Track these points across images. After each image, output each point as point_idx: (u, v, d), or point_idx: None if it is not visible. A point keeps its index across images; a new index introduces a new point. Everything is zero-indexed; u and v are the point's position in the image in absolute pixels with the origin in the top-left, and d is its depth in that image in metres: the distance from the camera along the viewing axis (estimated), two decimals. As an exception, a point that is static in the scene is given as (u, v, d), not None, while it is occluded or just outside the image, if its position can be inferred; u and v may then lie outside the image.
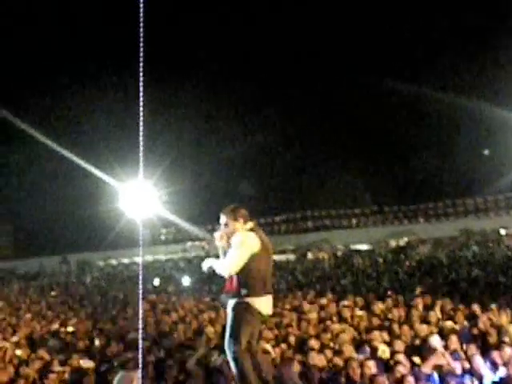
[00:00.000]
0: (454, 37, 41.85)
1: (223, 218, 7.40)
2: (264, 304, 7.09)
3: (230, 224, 7.33)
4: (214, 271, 7.17)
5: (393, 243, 37.60)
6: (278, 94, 45.01)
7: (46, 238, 47.47)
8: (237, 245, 6.96)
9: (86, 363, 10.92)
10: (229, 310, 7.09)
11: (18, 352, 12.56)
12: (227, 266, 6.94)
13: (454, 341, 9.93)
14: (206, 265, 7.27)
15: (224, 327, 7.78)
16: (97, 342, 13.04)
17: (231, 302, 7.05)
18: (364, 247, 37.41)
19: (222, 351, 8.53)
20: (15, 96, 42.88)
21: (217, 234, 7.47)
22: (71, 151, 38.49)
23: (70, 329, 15.50)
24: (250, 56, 44.64)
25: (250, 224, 7.24)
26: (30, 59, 43.43)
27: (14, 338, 14.56)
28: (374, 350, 10.05)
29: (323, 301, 15.72)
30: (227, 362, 8.17)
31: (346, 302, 14.82)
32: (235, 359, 6.94)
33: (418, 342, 10.31)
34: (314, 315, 13.44)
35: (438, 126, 42.32)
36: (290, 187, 44.26)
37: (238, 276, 6.94)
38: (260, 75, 44.51)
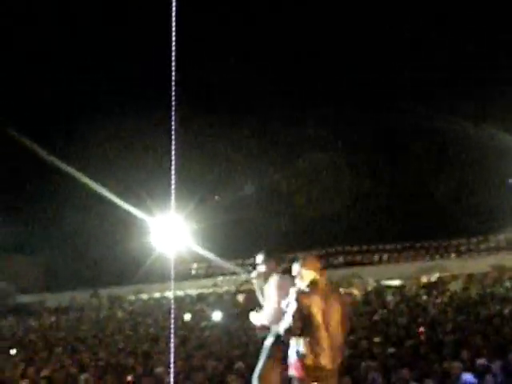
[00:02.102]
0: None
1: (259, 259, 7.54)
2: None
3: (265, 265, 7.49)
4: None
5: (424, 279, 37.31)
6: (315, 132, 45.03)
7: (76, 272, 47.60)
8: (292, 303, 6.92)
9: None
10: (267, 345, 7.13)
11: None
12: (288, 328, 6.80)
13: (488, 380, 9.83)
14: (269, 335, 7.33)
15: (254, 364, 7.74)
16: (129, 378, 13.04)
17: (270, 339, 7.12)
18: (395, 283, 37.18)
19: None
20: (47, 131, 43.33)
21: (254, 273, 7.58)
22: (103, 185, 38.73)
23: (101, 363, 15.50)
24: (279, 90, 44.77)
25: (283, 267, 7.38)
26: (61, 95, 43.87)
27: (45, 372, 14.59)
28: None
29: (354, 337, 15.61)
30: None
31: (377, 339, 14.72)
32: None
33: (449, 380, 10.21)
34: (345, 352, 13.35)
35: (464, 159, 42.17)
36: (321, 223, 44.14)
37: None
38: (291, 111, 44.65)
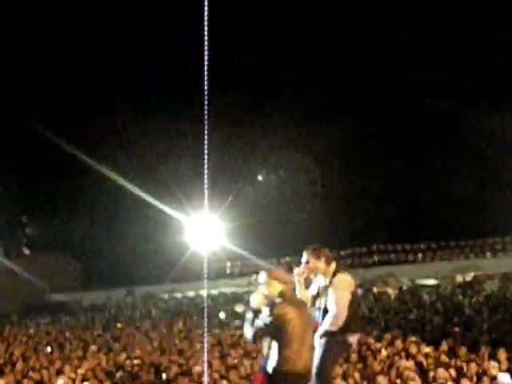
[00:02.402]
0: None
1: (305, 256, 7.52)
2: (355, 340, 7.16)
3: (311, 262, 7.44)
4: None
5: (459, 278, 37.05)
6: (354, 129, 44.92)
7: (112, 271, 47.86)
8: (335, 294, 7.05)
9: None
10: (320, 347, 7.11)
11: (86, 384, 12.69)
12: (335, 320, 7.09)
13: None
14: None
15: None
16: (164, 376, 13.08)
17: (323, 339, 7.10)
18: (430, 282, 36.96)
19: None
20: (84, 132, 43.60)
21: (297, 270, 7.56)
22: (137, 185, 38.95)
23: (137, 361, 15.56)
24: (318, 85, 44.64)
25: (333, 265, 7.35)
26: (97, 96, 44.09)
27: (81, 371, 14.68)
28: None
29: (389, 336, 15.54)
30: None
31: (413, 338, 14.64)
32: None
33: (486, 380, 10.13)
34: (380, 351, 13.30)
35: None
36: (356, 222, 44.02)
37: None
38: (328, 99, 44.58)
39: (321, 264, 7.48)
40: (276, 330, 6.87)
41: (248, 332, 7.20)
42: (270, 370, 7.04)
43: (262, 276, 7.44)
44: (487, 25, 40.69)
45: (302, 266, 7.62)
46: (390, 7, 42.36)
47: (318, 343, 7.19)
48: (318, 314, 7.45)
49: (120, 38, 43.96)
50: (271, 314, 6.92)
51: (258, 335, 7.09)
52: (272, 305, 7.03)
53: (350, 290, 7.28)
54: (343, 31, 43.65)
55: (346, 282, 7.32)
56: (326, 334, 7.10)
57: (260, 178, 47.30)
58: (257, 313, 7.19)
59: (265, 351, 7.25)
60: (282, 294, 7.09)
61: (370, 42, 43.63)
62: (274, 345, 6.98)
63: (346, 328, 7.08)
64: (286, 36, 43.77)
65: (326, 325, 7.08)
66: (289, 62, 44.55)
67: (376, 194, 45.69)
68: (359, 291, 35.75)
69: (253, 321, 7.16)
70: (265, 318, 6.98)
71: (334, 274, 7.44)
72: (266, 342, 7.20)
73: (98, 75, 44.46)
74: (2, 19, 41.06)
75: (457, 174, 43.16)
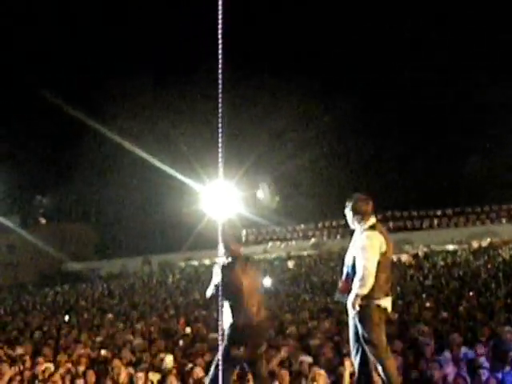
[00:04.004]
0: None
1: (346, 209, 7.37)
2: (389, 304, 7.04)
3: (350, 218, 7.29)
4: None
5: (475, 244, 37.00)
6: (365, 104, 44.86)
7: (128, 240, 48.15)
8: (365, 252, 6.93)
9: (168, 362, 11.04)
10: (354, 312, 6.98)
11: (103, 352, 12.76)
12: (364, 281, 6.86)
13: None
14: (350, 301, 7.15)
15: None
16: (180, 342, 13.15)
17: (355, 304, 6.93)
18: (446, 248, 36.95)
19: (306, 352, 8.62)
20: (99, 104, 43.65)
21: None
22: (153, 155, 39.00)
23: (154, 329, 15.65)
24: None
25: (372, 220, 7.14)
26: (114, 67, 44.13)
27: (99, 338, 14.78)
28: (456, 351, 9.95)
29: (405, 302, 15.57)
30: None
31: (428, 303, 14.67)
32: (382, 363, 6.87)
33: (501, 344, 10.12)
34: (394, 317, 13.33)
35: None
36: (371, 188, 44.01)
37: None
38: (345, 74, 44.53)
39: (349, 215, 7.29)
40: (225, 286, 7.34)
41: (208, 291, 7.74)
42: (226, 326, 7.43)
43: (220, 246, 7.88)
44: (487, 25, 40.62)
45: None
46: (390, 7, 42.43)
47: (354, 310, 6.98)
48: (346, 271, 7.24)
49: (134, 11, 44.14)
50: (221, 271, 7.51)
51: (213, 292, 7.56)
52: (223, 265, 7.62)
53: (380, 250, 6.94)
54: (343, 31, 43.74)
55: (376, 240, 6.96)
56: (357, 297, 6.88)
57: (276, 145, 47.15)
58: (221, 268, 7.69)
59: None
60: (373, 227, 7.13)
61: (370, 42, 43.64)
62: (227, 303, 7.42)
63: (377, 291, 6.94)
64: (284, 36, 43.90)
65: (355, 288, 6.88)
66: (289, 60, 44.58)
67: (391, 161, 45.67)
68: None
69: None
70: (217, 276, 7.54)
71: (369, 229, 7.10)
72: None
73: (115, 45, 44.57)
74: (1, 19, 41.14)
75: (471, 144, 43.10)
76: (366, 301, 6.89)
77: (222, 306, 7.35)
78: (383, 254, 6.95)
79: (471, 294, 16.64)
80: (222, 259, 7.83)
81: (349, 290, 6.98)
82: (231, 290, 7.34)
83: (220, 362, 7.25)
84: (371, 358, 6.99)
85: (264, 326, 7.85)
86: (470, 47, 41.34)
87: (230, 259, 7.66)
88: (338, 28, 44.17)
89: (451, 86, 42.22)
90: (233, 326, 7.29)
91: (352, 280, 7.00)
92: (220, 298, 7.26)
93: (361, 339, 7.04)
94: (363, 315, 6.94)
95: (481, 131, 42.49)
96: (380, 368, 6.88)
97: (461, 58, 41.41)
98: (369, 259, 6.85)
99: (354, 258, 7.03)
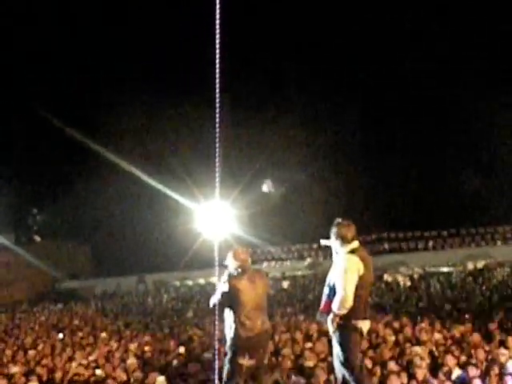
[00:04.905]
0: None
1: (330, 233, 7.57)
2: (366, 326, 7.19)
3: (332, 242, 7.47)
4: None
5: (470, 266, 37.09)
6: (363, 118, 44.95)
7: (123, 258, 48.05)
8: (344, 274, 7.14)
9: (160, 382, 11.04)
10: (334, 332, 7.17)
11: (98, 371, 12.74)
12: (342, 302, 7.07)
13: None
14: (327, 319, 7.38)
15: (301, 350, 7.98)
16: (174, 362, 13.13)
17: (334, 324, 7.12)
18: (441, 270, 37.01)
19: (300, 373, 8.63)
20: (94, 121, 43.70)
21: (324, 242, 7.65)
22: (148, 174, 39.06)
23: (148, 348, 15.63)
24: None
25: (354, 245, 7.32)
26: (107, 83, 44.12)
27: (92, 357, 14.76)
28: (449, 374, 9.96)
29: (398, 324, 15.56)
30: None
31: (423, 325, 14.66)
32: (354, 379, 7.05)
33: (495, 367, 10.12)
34: (390, 338, 13.32)
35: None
36: (366, 209, 44.00)
37: None
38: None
39: (334, 241, 7.47)
40: (229, 298, 7.53)
41: (212, 299, 7.88)
42: (228, 337, 7.62)
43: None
44: (488, 15, 40.68)
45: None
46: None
47: (332, 330, 7.21)
48: (327, 291, 7.43)
49: (127, 29, 44.16)
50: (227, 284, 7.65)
51: (218, 302, 7.72)
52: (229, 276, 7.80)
53: (358, 273, 7.16)
54: (344, 22, 43.80)
55: (354, 264, 7.18)
56: (335, 317, 7.09)
57: (272, 165, 47.21)
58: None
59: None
60: (240, 267, 7.88)
61: (371, 33, 43.68)
62: (230, 313, 7.60)
63: (355, 313, 7.06)
64: (285, 27, 43.88)
65: (333, 309, 7.11)
66: (290, 54, 44.59)
67: (387, 182, 45.70)
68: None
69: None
70: (222, 288, 7.68)
71: (349, 253, 7.34)
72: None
73: (108, 62, 44.57)
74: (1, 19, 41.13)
75: (466, 163, 43.17)
76: (344, 322, 7.12)
77: (222, 318, 7.46)
78: (361, 277, 7.12)
79: (466, 316, 16.64)
80: (230, 269, 7.99)
81: (329, 311, 7.17)
82: (237, 300, 7.47)
83: (227, 375, 7.33)
84: (342, 376, 7.27)
85: (266, 338, 8.07)
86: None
87: (239, 270, 7.83)
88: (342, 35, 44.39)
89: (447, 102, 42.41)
90: (235, 338, 7.33)
91: (332, 301, 7.17)
92: (221, 308, 7.38)
93: (336, 358, 7.33)
94: (340, 335, 7.20)
95: (478, 149, 42.70)
96: None
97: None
98: (347, 281, 7.07)
99: (334, 279, 7.25)
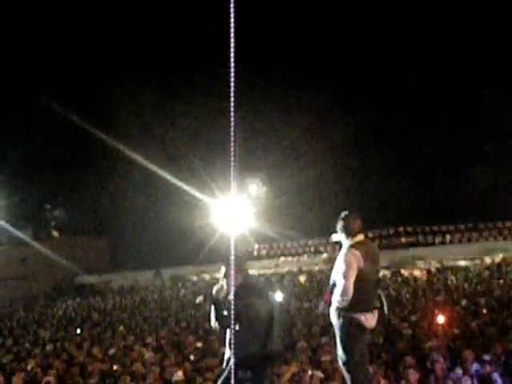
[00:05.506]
0: None
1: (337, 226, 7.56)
2: (368, 318, 7.16)
3: (338, 235, 7.48)
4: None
5: (488, 260, 36.90)
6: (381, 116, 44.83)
7: (140, 253, 48.09)
8: (344, 267, 7.16)
9: (178, 376, 11.05)
10: (335, 323, 7.20)
11: (115, 366, 12.77)
12: (342, 295, 7.11)
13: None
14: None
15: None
16: (191, 356, 13.15)
17: (335, 316, 7.16)
18: (458, 264, 36.84)
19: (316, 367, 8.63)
20: (111, 117, 43.73)
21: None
22: (165, 169, 39.13)
23: (164, 341, 15.66)
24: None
25: (359, 237, 7.30)
26: (124, 80, 44.08)
27: (111, 351, 14.80)
28: (466, 368, 9.94)
29: (415, 318, 15.54)
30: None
31: (439, 320, 14.62)
32: (351, 375, 7.07)
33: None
34: (407, 332, 13.31)
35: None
36: (384, 203, 43.86)
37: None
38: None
39: (340, 234, 7.48)
40: (234, 316, 7.01)
41: (213, 320, 7.59)
42: (230, 356, 7.30)
43: (222, 269, 7.96)
44: (489, 10, 40.52)
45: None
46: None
47: (335, 324, 7.25)
48: (331, 283, 7.45)
49: (144, 15, 44.20)
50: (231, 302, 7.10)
51: (223, 322, 7.44)
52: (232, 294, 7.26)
53: (358, 266, 7.13)
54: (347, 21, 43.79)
55: (353, 257, 7.16)
56: (338, 311, 7.12)
57: (288, 159, 47.07)
58: (217, 301, 7.58)
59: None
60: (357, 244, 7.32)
61: (373, 33, 43.64)
62: (232, 332, 7.13)
63: (355, 305, 7.13)
64: (286, 24, 43.91)
65: (334, 301, 7.16)
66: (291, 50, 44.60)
67: (405, 176, 45.57)
68: (385, 273, 35.96)
69: (216, 309, 7.53)
70: (225, 306, 7.41)
71: (353, 246, 7.31)
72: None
73: (125, 59, 44.59)
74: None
75: (485, 157, 43.00)
76: (344, 313, 7.14)
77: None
78: (362, 270, 7.14)
79: (484, 310, 16.59)
80: (224, 283, 7.78)
81: (331, 303, 7.22)
82: (240, 318, 7.13)
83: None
84: (341, 367, 7.27)
85: (273, 359, 7.82)
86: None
87: (242, 284, 7.55)
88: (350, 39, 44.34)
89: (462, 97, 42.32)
90: (236, 358, 7.12)
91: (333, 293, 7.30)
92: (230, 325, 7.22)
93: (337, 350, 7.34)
94: (340, 327, 7.21)
95: (493, 143, 42.54)
96: (348, 378, 7.16)
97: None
98: (347, 274, 7.09)
99: (336, 272, 7.31)
